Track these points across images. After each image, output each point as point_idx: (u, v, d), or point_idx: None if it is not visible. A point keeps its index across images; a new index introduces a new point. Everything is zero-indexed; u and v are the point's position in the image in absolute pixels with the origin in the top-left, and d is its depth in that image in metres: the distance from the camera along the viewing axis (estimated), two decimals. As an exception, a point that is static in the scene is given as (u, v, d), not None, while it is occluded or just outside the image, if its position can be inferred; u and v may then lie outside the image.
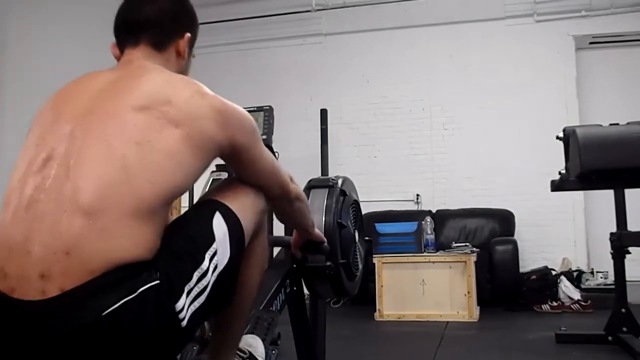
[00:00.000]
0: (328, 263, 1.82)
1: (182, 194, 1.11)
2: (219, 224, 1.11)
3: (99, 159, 0.99)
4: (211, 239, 1.08)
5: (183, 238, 1.07)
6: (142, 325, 0.93)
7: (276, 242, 1.83)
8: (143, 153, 1.01)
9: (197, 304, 1.03)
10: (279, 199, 1.35)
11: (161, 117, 1.05)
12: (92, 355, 0.90)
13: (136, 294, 0.92)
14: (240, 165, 1.23)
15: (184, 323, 0.99)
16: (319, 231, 1.69)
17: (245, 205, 1.21)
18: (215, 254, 1.07)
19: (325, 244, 1.70)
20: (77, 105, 1.08)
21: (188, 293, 1.01)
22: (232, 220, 1.14)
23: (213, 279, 1.06)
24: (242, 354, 1.42)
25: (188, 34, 1.36)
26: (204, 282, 1.04)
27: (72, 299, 0.90)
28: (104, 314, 0.89)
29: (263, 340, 1.54)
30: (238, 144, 1.17)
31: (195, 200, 3.05)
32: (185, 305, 0.99)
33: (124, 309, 0.91)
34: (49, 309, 0.90)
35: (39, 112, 1.15)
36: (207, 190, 3.20)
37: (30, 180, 0.99)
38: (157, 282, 0.95)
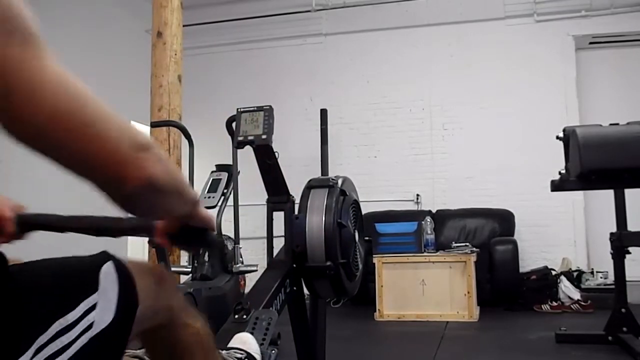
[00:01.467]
0: (328, 263, 1.82)
1: None
2: (108, 275, 0.80)
3: None
4: (92, 287, 0.77)
5: (60, 269, 0.77)
6: None
7: (130, 227, 0.99)
8: None
9: None
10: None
11: None
12: None
13: None
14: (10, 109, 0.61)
15: None
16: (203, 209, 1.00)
17: (148, 284, 0.89)
18: (93, 308, 0.75)
19: (213, 232, 0.98)
20: None
21: (37, 351, 0.67)
22: (126, 279, 0.83)
23: (80, 342, 0.73)
24: (239, 354, 1.42)
25: None
26: (63, 340, 0.71)
27: None
28: None
29: (263, 340, 1.54)
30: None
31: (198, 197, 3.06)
32: None
33: None
34: None
35: None
36: (206, 190, 3.20)
37: None
38: None
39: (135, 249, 5.60)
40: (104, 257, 0.83)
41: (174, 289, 0.98)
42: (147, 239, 2.91)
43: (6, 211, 0.94)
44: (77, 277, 0.78)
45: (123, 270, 0.83)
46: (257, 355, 1.47)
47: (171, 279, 0.98)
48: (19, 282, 0.69)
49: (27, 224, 0.93)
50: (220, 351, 1.38)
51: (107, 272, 0.80)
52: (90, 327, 0.75)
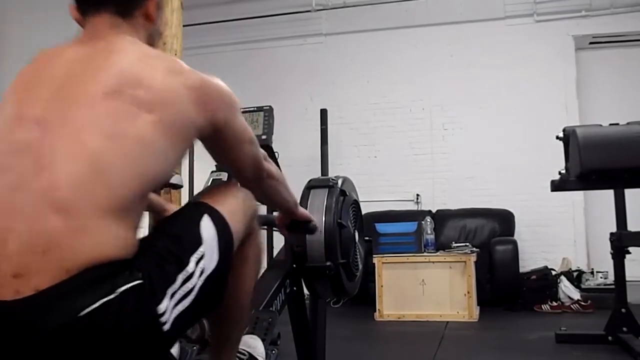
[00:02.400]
0: (328, 263, 1.82)
1: (162, 184, 1.07)
2: (207, 228, 1.05)
3: (72, 154, 0.93)
4: (198, 242, 1.02)
5: (169, 239, 1.01)
6: (121, 327, 0.88)
7: (261, 221, 1.73)
8: (115, 146, 0.94)
9: (180, 307, 0.97)
10: (251, 178, 1.27)
11: (133, 102, 0.97)
12: (69, 357, 0.86)
13: (116, 294, 0.87)
14: (219, 144, 1.16)
15: (166, 327, 0.93)
16: (304, 210, 1.59)
17: (235, 209, 1.16)
18: (202, 257, 1.01)
19: (313, 222, 1.61)
20: (47, 90, 1.02)
21: (171, 296, 0.95)
22: (221, 225, 1.09)
23: (199, 283, 1.00)
24: (241, 355, 1.42)
25: None
26: (188, 286, 0.98)
27: (47, 298, 0.85)
28: (80, 314, 0.84)
29: (263, 340, 1.54)
30: (218, 122, 1.10)
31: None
32: (168, 309, 0.94)
33: (103, 309, 0.86)
34: (22, 309, 0.85)
35: (6, 94, 1.09)
36: (200, 191, 3.21)
37: (2, 176, 0.94)
38: (139, 282, 0.90)
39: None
40: (201, 211, 1.08)
41: (253, 205, 1.27)
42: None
43: None
44: (186, 239, 1.02)
45: (218, 218, 1.08)
46: (261, 358, 1.47)
47: (249, 196, 1.26)
48: (151, 249, 0.97)
49: None
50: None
51: (206, 225, 1.05)
52: (203, 272, 1.01)
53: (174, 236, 1.02)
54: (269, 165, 1.30)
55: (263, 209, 1.89)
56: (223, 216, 1.10)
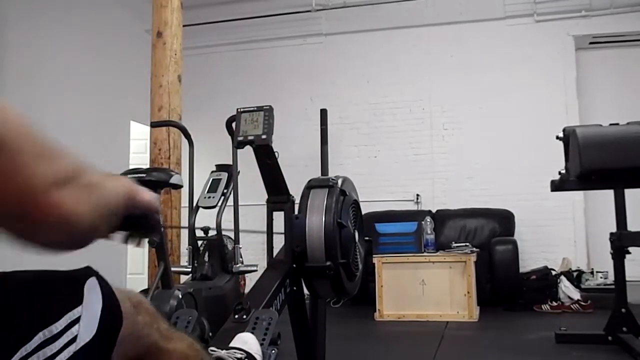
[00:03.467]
0: (328, 263, 1.82)
1: None
2: (92, 289, 0.78)
3: None
4: (77, 300, 0.75)
5: (37, 281, 0.74)
6: None
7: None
8: None
9: None
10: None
11: None
12: None
13: None
14: None
15: None
16: (144, 190, 0.89)
17: (126, 302, 0.86)
18: (76, 321, 0.73)
19: (156, 213, 0.91)
20: None
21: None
22: (109, 295, 0.81)
23: (64, 356, 0.71)
24: (239, 354, 1.42)
25: None
26: (46, 352, 0.68)
27: None
28: None
29: (263, 340, 1.54)
30: None
31: (196, 199, 3.05)
32: None
33: None
34: None
35: None
36: (206, 190, 3.21)
37: None
38: None
39: (135, 248, 5.59)
40: (88, 271, 0.81)
41: (155, 316, 0.96)
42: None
43: None
44: (62, 289, 0.75)
45: (107, 286, 0.81)
46: (258, 356, 1.46)
47: (150, 306, 0.95)
48: (3, 290, 0.68)
49: None
50: (221, 351, 1.38)
51: (91, 286, 0.78)
52: (74, 340, 0.73)
53: (47, 284, 0.75)
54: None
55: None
56: (114, 292, 0.82)
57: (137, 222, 0.87)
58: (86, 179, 0.66)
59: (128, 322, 0.84)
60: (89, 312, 0.76)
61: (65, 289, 0.76)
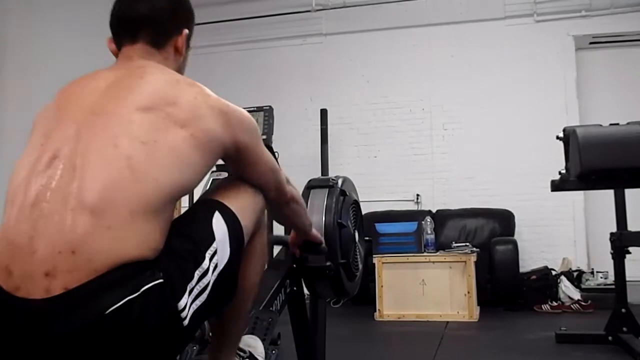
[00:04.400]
0: (328, 263, 1.82)
1: (188, 192, 1.12)
2: (218, 224, 1.11)
3: (105, 159, 0.99)
4: (211, 238, 1.08)
5: (184, 238, 1.06)
6: (145, 324, 0.93)
7: (275, 241, 1.85)
8: (149, 152, 1.01)
9: (198, 302, 1.03)
10: (274, 200, 1.36)
11: (166, 117, 1.06)
12: (95, 354, 0.91)
13: (139, 292, 0.92)
14: (241, 164, 1.25)
15: (186, 322, 0.99)
16: (316, 232, 1.71)
17: (244, 205, 1.21)
18: (215, 253, 1.07)
19: (323, 245, 1.74)
20: (82, 105, 1.09)
21: (190, 292, 1.01)
22: (231, 220, 1.14)
23: (213, 278, 1.06)
24: (242, 354, 1.42)
25: (186, 30, 1.35)
26: (204, 281, 1.04)
27: (76, 297, 0.90)
28: (106, 312, 0.89)
29: (263, 340, 1.54)
30: (241, 144, 1.19)
31: (195, 199, 3.05)
32: (187, 304, 1.00)
33: (127, 307, 0.91)
34: (52, 307, 0.90)
35: (43, 111, 1.16)
36: (206, 189, 3.22)
37: (36, 179, 1.00)
38: (160, 280, 0.95)
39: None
40: (212, 209, 1.14)
41: (260, 196, 1.29)
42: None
43: None
44: (200, 236, 1.07)
45: (228, 215, 1.14)
46: (261, 358, 1.47)
47: (256, 189, 1.28)
48: (169, 248, 1.02)
49: None
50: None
51: (218, 222, 1.11)
52: (216, 266, 1.07)
53: (188, 235, 1.07)
54: (292, 189, 1.40)
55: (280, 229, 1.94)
56: (233, 212, 1.15)
57: (312, 245, 1.71)
58: (297, 192, 1.39)
59: (249, 219, 1.22)
60: (221, 243, 1.09)
61: (202, 233, 1.08)
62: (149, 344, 0.95)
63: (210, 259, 1.06)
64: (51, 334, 0.89)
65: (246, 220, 1.19)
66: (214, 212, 1.13)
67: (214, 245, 1.08)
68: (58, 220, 0.94)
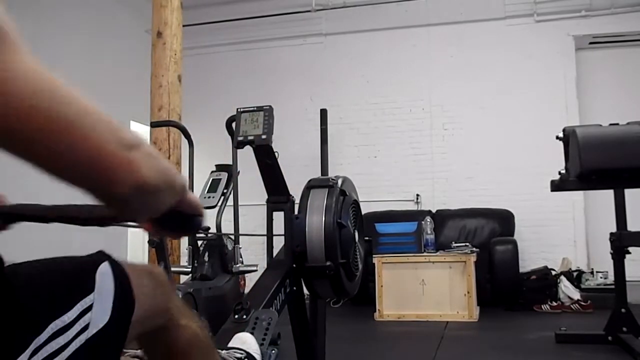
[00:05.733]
0: (328, 263, 1.82)
1: None
2: (104, 275, 0.79)
3: None
4: (89, 287, 0.76)
5: (48, 272, 0.75)
6: None
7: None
8: None
9: None
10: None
11: None
12: None
13: None
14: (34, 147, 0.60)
15: None
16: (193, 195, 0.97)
17: (144, 283, 0.88)
18: (89, 309, 0.74)
19: (201, 216, 0.90)
20: None
21: (33, 352, 0.66)
22: (122, 280, 0.82)
23: (76, 344, 0.72)
24: (239, 354, 1.42)
25: None
26: (60, 341, 0.69)
27: None
28: None
29: (263, 340, 1.54)
30: None
31: (195, 199, 3.05)
32: None
33: None
34: None
35: None
36: (206, 190, 3.21)
37: None
38: None
39: (135, 248, 5.60)
40: (101, 257, 0.82)
41: (171, 291, 0.97)
42: (147, 238, 2.91)
43: None
44: (73, 278, 0.76)
45: (120, 270, 0.82)
46: (257, 355, 1.46)
47: (168, 280, 0.97)
48: (14, 283, 0.68)
49: (10, 214, 0.87)
50: (220, 351, 1.38)
51: (104, 272, 0.79)
52: (86, 327, 0.74)
53: (56, 271, 0.76)
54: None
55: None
56: (127, 273, 0.83)
57: (181, 218, 0.85)
58: (149, 149, 0.66)
59: (146, 300, 0.85)
60: (102, 299, 0.77)
61: (76, 278, 0.76)
62: None
63: (80, 315, 0.73)
64: None
65: (143, 294, 0.86)
66: (103, 262, 0.81)
67: (90, 297, 0.75)
68: None
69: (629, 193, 3.21)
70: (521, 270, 4.81)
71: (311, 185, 1.99)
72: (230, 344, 1.46)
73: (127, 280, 0.82)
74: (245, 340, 1.48)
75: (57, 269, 0.76)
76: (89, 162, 0.59)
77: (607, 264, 3.82)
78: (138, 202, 0.66)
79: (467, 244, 4.55)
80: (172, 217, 0.81)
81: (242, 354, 1.42)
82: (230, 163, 3.06)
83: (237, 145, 1.89)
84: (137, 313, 0.82)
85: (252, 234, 2.75)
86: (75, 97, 0.59)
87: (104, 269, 0.79)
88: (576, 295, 4.66)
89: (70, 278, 0.76)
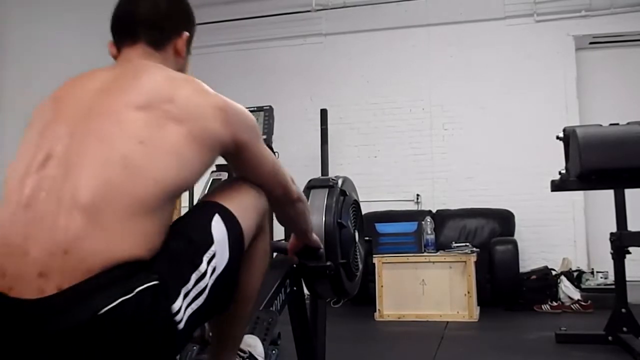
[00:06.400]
0: (328, 263, 1.82)
1: (185, 191, 1.10)
2: (217, 227, 1.09)
3: (99, 158, 0.98)
4: (209, 241, 1.06)
5: (182, 240, 1.04)
6: (137, 326, 0.92)
7: (274, 248, 1.82)
8: (145, 151, 1.00)
9: (194, 306, 1.01)
10: (280, 200, 1.34)
11: (163, 115, 1.04)
12: (89, 354, 0.90)
13: (133, 294, 0.91)
14: (242, 163, 1.22)
15: (181, 325, 0.98)
16: (316, 237, 1.69)
17: (245, 207, 1.19)
18: (213, 256, 1.05)
19: (322, 250, 1.72)
20: (77, 104, 1.08)
21: (185, 295, 0.99)
22: (231, 223, 1.12)
23: (211, 281, 1.05)
24: (242, 354, 1.42)
25: (186, 33, 1.35)
26: (201, 285, 1.02)
27: (69, 297, 0.89)
28: (99, 313, 0.88)
29: (263, 340, 1.54)
30: (240, 141, 1.16)
31: (196, 199, 3.05)
32: (182, 308, 0.98)
33: (120, 308, 0.89)
34: (45, 307, 0.89)
35: (39, 108, 1.14)
36: (207, 190, 3.21)
37: (30, 179, 0.99)
38: (155, 282, 0.94)
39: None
40: (212, 211, 1.11)
41: (263, 198, 1.28)
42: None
43: None
44: (198, 239, 1.06)
45: (228, 217, 1.12)
46: (261, 358, 1.47)
47: (258, 191, 1.26)
48: (166, 250, 1.00)
49: None
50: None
51: (217, 225, 1.09)
52: (214, 270, 1.06)
53: (186, 237, 1.05)
54: (298, 188, 1.39)
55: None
56: (234, 215, 1.13)
57: (310, 250, 1.68)
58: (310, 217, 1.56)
59: (251, 216, 1.20)
60: (220, 247, 1.08)
61: (200, 237, 1.06)
62: (143, 346, 0.93)
63: (208, 263, 1.04)
64: (44, 334, 0.89)
65: (247, 224, 1.17)
66: (214, 214, 1.11)
67: (213, 248, 1.06)
68: (51, 220, 0.93)
69: (629, 193, 3.21)
70: (521, 270, 4.81)
71: (311, 186, 1.99)
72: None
73: (236, 223, 1.13)
74: (250, 344, 1.48)
75: (187, 235, 1.06)
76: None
77: (607, 264, 3.82)
78: (299, 213, 1.46)
79: (467, 244, 4.54)
80: (306, 251, 1.66)
81: (245, 354, 1.43)
82: (230, 163, 3.06)
83: (237, 145, 1.89)
84: (245, 235, 1.16)
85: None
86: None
87: (216, 222, 1.09)
88: (576, 295, 4.66)
89: (196, 239, 1.05)
